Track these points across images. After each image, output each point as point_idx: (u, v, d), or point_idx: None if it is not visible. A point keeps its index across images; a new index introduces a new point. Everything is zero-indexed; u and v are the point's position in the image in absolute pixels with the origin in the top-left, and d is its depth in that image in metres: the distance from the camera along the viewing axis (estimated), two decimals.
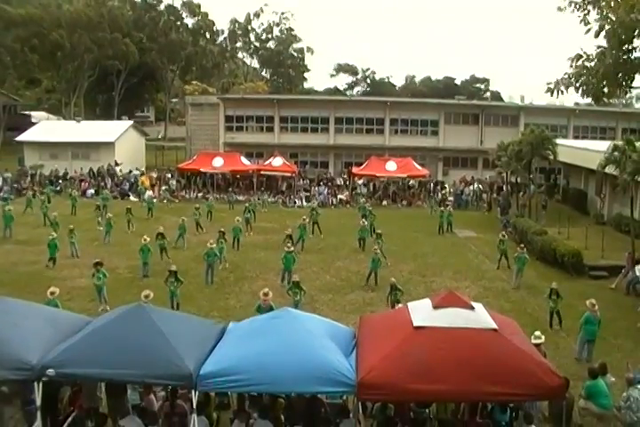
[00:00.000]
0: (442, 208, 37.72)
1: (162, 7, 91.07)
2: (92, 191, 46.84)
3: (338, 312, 20.22)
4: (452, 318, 10.69)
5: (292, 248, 24.36)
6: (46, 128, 57.19)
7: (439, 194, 46.73)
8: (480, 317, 10.91)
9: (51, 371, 10.14)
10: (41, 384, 10.30)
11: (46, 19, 74.27)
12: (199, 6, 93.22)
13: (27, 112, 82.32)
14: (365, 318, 12.89)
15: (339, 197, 46.33)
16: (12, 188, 47.02)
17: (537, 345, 12.72)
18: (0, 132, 71.03)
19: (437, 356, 10.09)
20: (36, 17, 74.00)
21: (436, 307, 11.04)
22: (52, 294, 16.44)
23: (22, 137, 55.26)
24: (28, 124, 65.03)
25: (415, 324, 10.68)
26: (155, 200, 41.95)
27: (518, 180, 42.30)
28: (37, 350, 10.47)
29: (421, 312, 11.10)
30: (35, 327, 11.19)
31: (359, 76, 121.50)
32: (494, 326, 10.60)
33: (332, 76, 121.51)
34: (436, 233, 34.84)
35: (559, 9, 16.07)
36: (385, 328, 11.52)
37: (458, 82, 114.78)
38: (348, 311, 20.55)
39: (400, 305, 16.98)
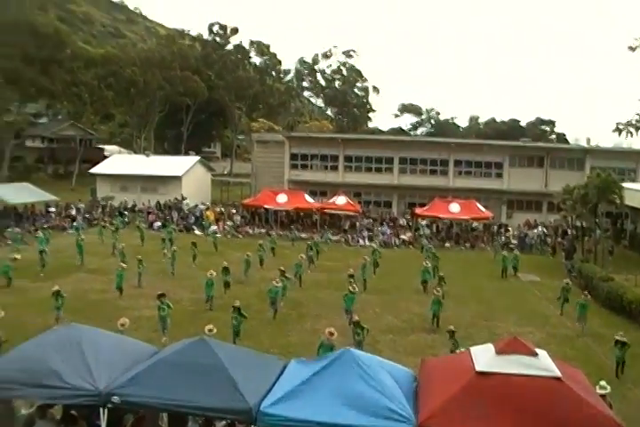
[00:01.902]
0: (505, 252, 37.26)
1: (230, 46, 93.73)
2: (158, 224, 47.97)
3: (399, 354, 20.14)
4: (514, 364, 10.58)
5: (356, 289, 24.33)
6: (118, 161, 59.60)
7: (502, 237, 46.20)
8: (543, 364, 10.74)
9: (116, 398, 10.44)
10: (106, 410, 10.60)
11: (122, 57, 77.93)
12: (268, 47, 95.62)
13: (100, 146, 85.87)
14: (427, 361, 12.79)
15: (401, 237, 46.17)
16: (85, 218, 48.59)
17: (602, 396, 12.42)
18: (76, 164, 74.00)
19: (499, 403, 10.01)
20: (114, 56, 77.84)
21: (498, 353, 10.94)
22: (122, 325, 16.98)
23: (95, 169, 57.71)
24: (101, 157, 67.86)
25: (477, 369, 10.62)
26: (218, 235, 42.66)
27: (584, 224, 41.60)
28: (105, 377, 10.82)
29: (484, 357, 11.03)
30: (103, 354, 11.55)
31: (423, 117, 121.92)
32: (558, 374, 10.45)
33: (396, 116, 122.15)
34: (500, 277, 34.45)
35: (630, 48, 16.05)
36: (446, 372, 11.44)
37: (523, 124, 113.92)
38: (409, 353, 20.44)
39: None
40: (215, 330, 16.75)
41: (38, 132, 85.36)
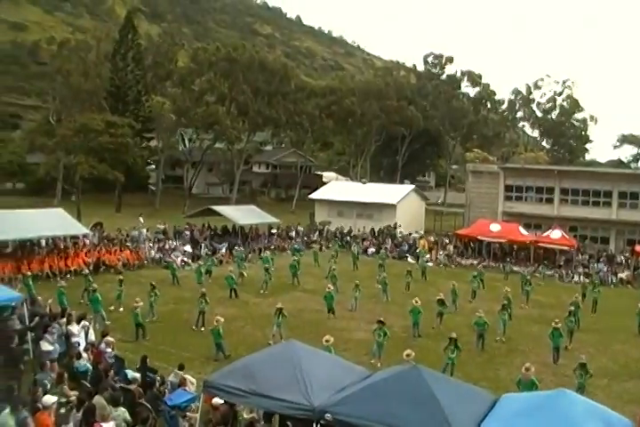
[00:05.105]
0: None
1: (444, 76, 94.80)
2: (372, 250, 49.35)
3: (613, 400, 19.26)
4: None
5: (559, 324, 23.74)
6: (335, 188, 62.75)
7: None
8: None
9: (329, 416, 11.17)
10: (319, 426, 11.43)
11: (341, 89, 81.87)
12: (480, 77, 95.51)
13: (319, 172, 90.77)
14: None
15: (619, 275, 44.03)
16: (303, 240, 51.48)
17: None
18: (296, 189, 78.85)
19: None
20: (334, 87, 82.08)
21: None
22: (327, 342, 18.42)
23: (314, 195, 61.40)
24: (319, 183, 71.94)
25: None
26: (430, 264, 43.24)
27: None
28: (320, 394, 11.61)
29: None
30: (320, 372, 12.47)
31: None
32: None
33: (615, 147, 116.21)
34: None
35: None
36: None
37: None
38: (626, 401, 19.55)
39: None
40: (413, 355, 17.17)
41: (263, 159, 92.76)
